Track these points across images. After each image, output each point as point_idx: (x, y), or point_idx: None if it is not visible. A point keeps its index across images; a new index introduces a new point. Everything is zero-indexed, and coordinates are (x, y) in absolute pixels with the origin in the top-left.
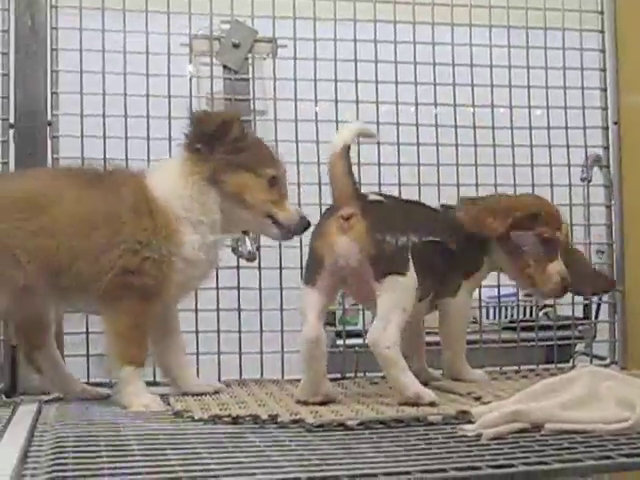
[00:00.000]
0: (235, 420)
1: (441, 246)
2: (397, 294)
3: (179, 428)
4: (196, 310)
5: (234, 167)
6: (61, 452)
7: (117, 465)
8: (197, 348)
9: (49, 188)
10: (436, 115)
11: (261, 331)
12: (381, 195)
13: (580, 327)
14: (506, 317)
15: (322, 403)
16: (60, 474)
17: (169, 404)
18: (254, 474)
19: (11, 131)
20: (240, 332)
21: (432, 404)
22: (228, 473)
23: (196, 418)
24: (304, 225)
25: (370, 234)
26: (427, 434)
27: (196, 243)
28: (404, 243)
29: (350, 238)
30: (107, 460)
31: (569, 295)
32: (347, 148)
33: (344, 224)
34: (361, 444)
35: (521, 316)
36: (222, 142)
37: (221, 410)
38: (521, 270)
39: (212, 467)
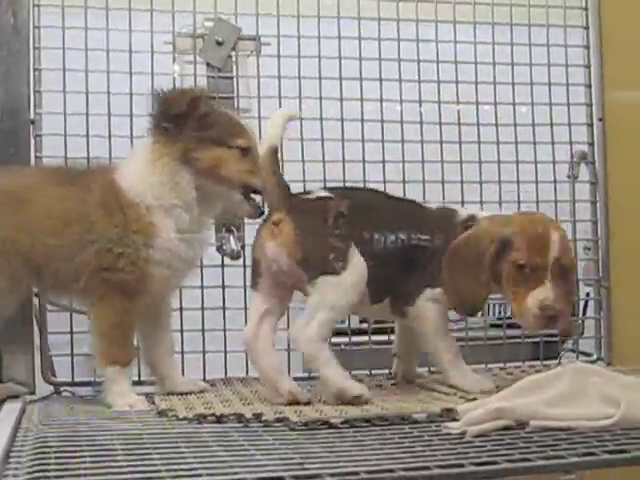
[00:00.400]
0: (219, 419)
1: (402, 245)
2: (326, 293)
3: (163, 427)
4: (181, 309)
5: (205, 143)
6: (43, 452)
7: (100, 465)
8: (182, 347)
9: (29, 185)
10: (421, 112)
11: None
12: (336, 190)
13: None
14: (494, 314)
15: (289, 403)
16: (42, 474)
17: (154, 403)
18: (237, 473)
19: None
20: (225, 330)
21: (358, 397)
22: (211, 472)
23: (180, 417)
24: None
25: (296, 237)
26: (411, 432)
27: (172, 234)
28: (339, 241)
29: (278, 243)
30: (90, 460)
31: None
32: (274, 149)
33: (274, 229)
34: (345, 442)
35: (508, 313)
36: (191, 120)
37: (205, 409)
38: (508, 301)
39: (195, 466)
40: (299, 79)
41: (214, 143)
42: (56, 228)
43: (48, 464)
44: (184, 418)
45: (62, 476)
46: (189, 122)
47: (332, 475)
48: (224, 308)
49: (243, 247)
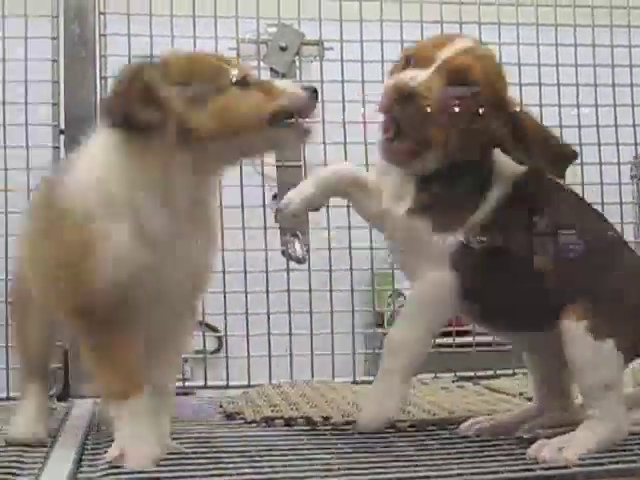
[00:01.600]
0: (287, 422)
1: None
2: None
3: (232, 430)
4: (247, 312)
5: (194, 104)
6: None
7: (172, 468)
8: (248, 351)
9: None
10: None
11: (311, 334)
12: None
13: None
14: None
15: None
16: (116, 477)
17: (221, 406)
18: (308, 477)
19: (62, 137)
20: (291, 334)
21: None
22: (282, 477)
23: (249, 420)
24: (314, 98)
25: None
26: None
27: (124, 238)
28: None
29: None
30: (162, 463)
31: None
32: None
33: None
34: (410, 446)
35: None
36: (153, 101)
37: (273, 412)
38: None
39: (265, 470)
40: (362, 83)
41: (202, 99)
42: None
43: (121, 466)
44: (252, 421)
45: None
46: (154, 103)
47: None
48: (290, 312)
49: (308, 251)
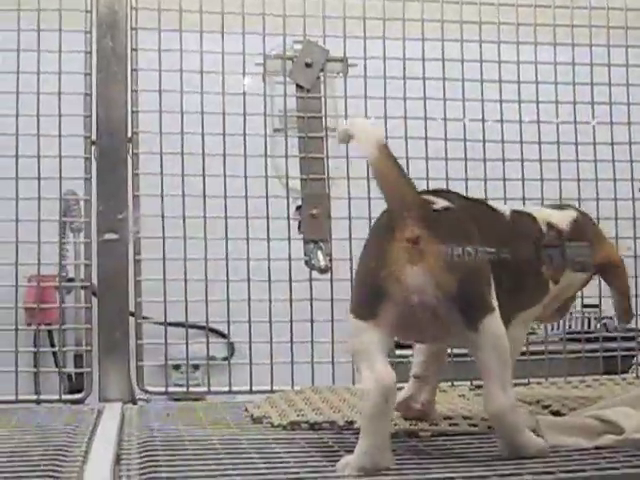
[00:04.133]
0: (312, 426)
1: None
2: (496, 340)
3: (260, 433)
4: (270, 321)
5: None
6: (151, 455)
7: (207, 467)
8: (271, 358)
9: None
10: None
11: (332, 342)
12: (441, 194)
13: None
14: (570, 327)
15: None
16: (152, 475)
17: (247, 410)
18: (339, 477)
19: (93, 148)
20: (312, 342)
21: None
22: (313, 477)
23: (275, 424)
24: None
25: (448, 263)
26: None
27: None
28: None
29: (422, 268)
30: (195, 462)
31: None
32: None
33: (412, 249)
34: (435, 450)
35: (580, 327)
36: None
37: (298, 416)
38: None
39: (294, 470)
40: (384, 99)
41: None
42: None
43: (158, 466)
44: (279, 425)
45: (172, 478)
46: None
47: None
48: (312, 321)
49: (331, 260)
